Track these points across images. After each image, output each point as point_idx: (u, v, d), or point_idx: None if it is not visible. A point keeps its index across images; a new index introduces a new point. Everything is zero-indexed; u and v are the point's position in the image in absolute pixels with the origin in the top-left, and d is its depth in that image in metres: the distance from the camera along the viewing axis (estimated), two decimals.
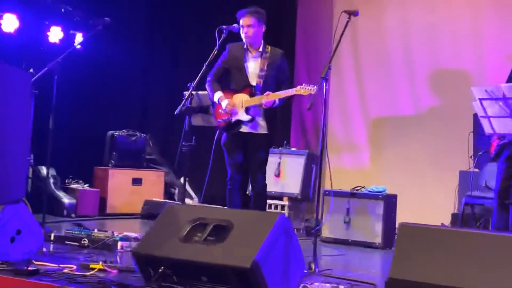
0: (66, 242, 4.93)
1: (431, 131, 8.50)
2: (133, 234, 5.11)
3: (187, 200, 7.82)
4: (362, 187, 6.31)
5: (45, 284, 3.46)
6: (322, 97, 4.41)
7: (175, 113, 4.61)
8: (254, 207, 5.36)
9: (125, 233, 5.10)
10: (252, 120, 5.26)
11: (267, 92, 5.20)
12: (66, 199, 7.39)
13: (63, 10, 7.63)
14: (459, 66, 8.44)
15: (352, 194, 6.18)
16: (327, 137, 9.27)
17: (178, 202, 7.79)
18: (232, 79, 5.42)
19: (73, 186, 7.72)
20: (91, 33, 5.44)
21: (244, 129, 5.30)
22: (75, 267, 3.95)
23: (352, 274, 4.29)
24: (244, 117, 5.25)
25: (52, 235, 5.07)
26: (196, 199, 8.26)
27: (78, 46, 7.85)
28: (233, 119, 5.27)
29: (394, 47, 8.90)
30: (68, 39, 7.69)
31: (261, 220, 3.31)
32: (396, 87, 8.91)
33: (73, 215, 7.33)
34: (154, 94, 9.38)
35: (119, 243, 4.84)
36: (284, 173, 7.01)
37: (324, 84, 4.35)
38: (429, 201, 8.15)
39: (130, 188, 8.10)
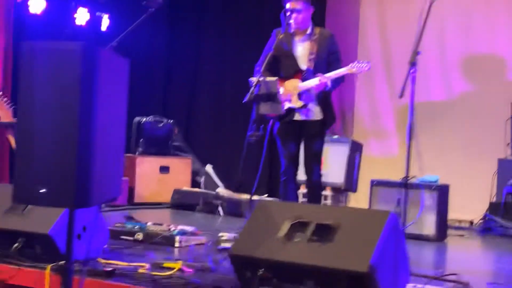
0: (121, 237, 4.67)
1: (464, 118, 8.29)
2: (189, 228, 4.86)
3: (220, 190, 7.57)
4: (413, 177, 6.07)
5: None
6: (412, 84, 4.15)
7: (244, 101, 4.34)
8: (309, 200, 5.12)
9: (180, 227, 4.84)
10: (305, 106, 4.98)
11: (318, 74, 4.93)
12: None
13: None
14: (494, 50, 8.23)
15: (403, 185, 5.92)
16: (353, 123, 9.20)
17: (210, 191, 7.56)
18: (281, 66, 5.12)
19: None
20: (145, 15, 5.10)
21: (297, 117, 5.02)
22: (147, 265, 3.70)
23: (427, 271, 4.06)
24: (297, 103, 4.96)
25: None
26: (222, 187, 8.01)
27: (104, 30, 7.62)
28: (286, 106, 4.99)
29: (425, 29, 8.63)
30: (94, 21, 7.42)
31: (370, 219, 3.07)
32: (427, 72, 8.66)
33: (103, 205, 7.04)
34: (176, 79, 9.11)
35: (177, 238, 4.59)
36: (326, 162, 6.76)
37: (412, 70, 4.11)
38: (464, 190, 7.93)
39: (157, 177, 7.83)
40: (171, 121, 8.25)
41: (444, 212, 5.95)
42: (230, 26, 9.05)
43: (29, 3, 6.70)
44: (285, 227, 3.13)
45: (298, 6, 4.94)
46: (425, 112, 8.63)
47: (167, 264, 3.71)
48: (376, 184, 6.09)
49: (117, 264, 3.71)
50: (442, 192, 5.89)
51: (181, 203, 7.50)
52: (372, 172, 7.46)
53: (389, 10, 8.86)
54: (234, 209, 7.18)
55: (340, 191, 6.76)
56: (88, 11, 7.33)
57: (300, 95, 4.91)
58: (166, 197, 7.67)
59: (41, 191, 2.58)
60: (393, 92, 8.85)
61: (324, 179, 6.75)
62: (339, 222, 3.06)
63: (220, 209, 7.17)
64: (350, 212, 3.17)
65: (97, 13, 7.45)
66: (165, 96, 9.09)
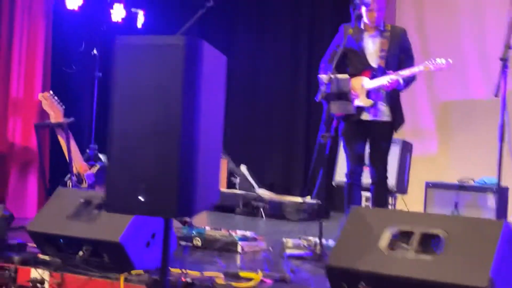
0: (181, 242, 4.44)
1: (508, 116, 8.01)
2: (249, 233, 4.63)
3: (261, 191, 7.34)
4: (471, 179, 5.84)
5: None
6: (504, 83, 3.90)
7: (316, 100, 4.08)
8: (375, 202, 4.84)
9: (238, 232, 4.61)
10: (373, 105, 4.69)
11: (390, 72, 4.65)
12: None
13: None
14: None
15: (461, 187, 5.70)
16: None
17: (250, 193, 7.33)
18: (349, 63, 4.83)
19: None
20: (202, 11, 4.85)
21: (365, 116, 4.71)
22: (222, 275, 3.47)
23: None
24: (365, 102, 4.68)
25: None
26: (257, 187, 7.78)
27: (139, 27, 7.39)
28: (354, 104, 4.71)
29: (465, 24, 8.39)
30: (129, 18, 7.19)
31: (482, 228, 2.83)
32: (467, 68, 8.40)
33: None
34: None
35: (239, 244, 4.36)
36: None
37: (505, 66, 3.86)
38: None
39: None
40: None
41: (504, 215, 5.71)
42: (263, 23, 8.83)
43: None
44: (386, 237, 2.89)
45: (380, 4, 4.67)
46: (464, 110, 8.36)
47: (244, 274, 3.48)
48: (431, 186, 5.85)
49: (187, 273, 3.48)
50: (502, 195, 5.64)
51: (220, 205, 7.25)
52: (411, 172, 7.21)
53: (428, 2, 8.59)
54: (276, 211, 6.96)
55: (391, 194, 6.48)
56: (124, 7, 7.09)
57: (368, 93, 4.63)
58: None
59: (140, 198, 2.34)
60: (432, 89, 8.58)
61: None
62: (447, 231, 2.82)
63: (261, 211, 6.94)
64: (456, 221, 2.93)
65: (133, 9, 7.21)
66: None
